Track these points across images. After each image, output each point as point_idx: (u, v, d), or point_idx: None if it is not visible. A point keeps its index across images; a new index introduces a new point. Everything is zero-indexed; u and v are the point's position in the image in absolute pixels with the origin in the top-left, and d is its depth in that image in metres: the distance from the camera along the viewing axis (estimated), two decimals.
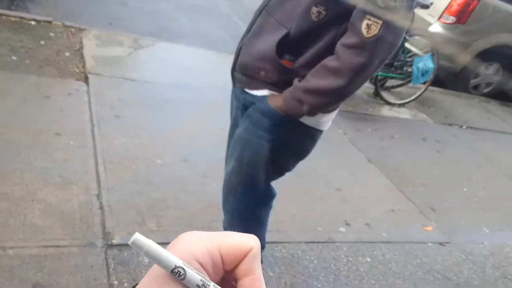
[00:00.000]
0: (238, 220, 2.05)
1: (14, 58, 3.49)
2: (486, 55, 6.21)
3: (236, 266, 0.33)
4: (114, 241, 2.26)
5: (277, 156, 1.82)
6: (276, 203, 2.11)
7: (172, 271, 0.31)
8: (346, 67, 1.54)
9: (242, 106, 1.86)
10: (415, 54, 5.19)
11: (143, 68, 4.10)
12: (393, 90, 5.45)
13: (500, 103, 6.66)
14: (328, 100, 1.65)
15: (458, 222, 3.41)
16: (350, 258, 2.65)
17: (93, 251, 2.17)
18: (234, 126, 1.97)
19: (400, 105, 5.29)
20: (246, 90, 1.80)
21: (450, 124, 5.33)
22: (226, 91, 1.93)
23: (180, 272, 0.31)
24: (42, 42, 3.86)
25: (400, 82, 5.37)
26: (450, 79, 6.28)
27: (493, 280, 2.87)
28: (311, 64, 1.63)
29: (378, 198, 3.38)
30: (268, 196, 2.02)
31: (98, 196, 2.50)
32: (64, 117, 3.03)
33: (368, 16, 1.49)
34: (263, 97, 1.74)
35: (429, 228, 3.19)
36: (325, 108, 1.70)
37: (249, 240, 0.34)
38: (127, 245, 2.27)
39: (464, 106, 6.08)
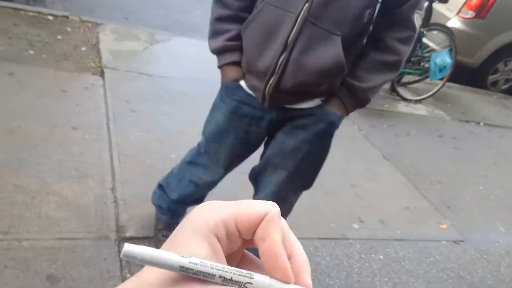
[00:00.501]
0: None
1: (31, 52, 3.54)
2: (505, 51, 6.10)
3: (254, 233, 0.32)
4: (128, 234, 2.29)
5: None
6: None
7: (180, 269, 0.30)
8: (404, 59, 1.66)
9: (275, 122, 1.79)
10: (432, 50, 5.12)
11: (159, 62, 4.12)
12: (409, 86, 5.39)
13: None
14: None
15: (473, 220, 3.36)
16: (363, 255, 2.64)
17: (107, 244, 2.19)
18: (245, 143, 1.89)
19: (416, 101, 5.23)
20: (288, 106, 1.73)
21: (467, 121, 5.25)
22: None
23: (188, 268, 0.30)
24: (59, 37, 3.90)
25: (417, 78, 5.31)
26: (468, 75, 6.19)
27: (508, 279, 2.83)
28: (355, 59, 1.68)
29: (392, 194, 3.36)
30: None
31: (113, 189, 2.53)
32: (80, 111, 3.06)
33: (417, 10, 1.58)
34: (320, 107, 1.73)
35: (444, 226, 3.16)
36: None
37: (265, 206, 0.33)
38: (140, 238, 2.30)
39: (482, 103, 5.99)
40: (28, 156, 2.55)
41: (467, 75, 6.16)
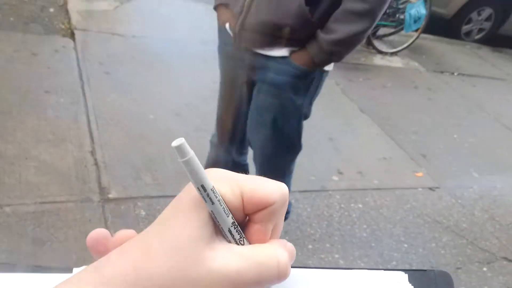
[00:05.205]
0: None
1: None
2: (478, 0, 6.12)
3: (254, 213, 0.33)
4: (111, 196, 2.29)
5: (305, 108, 1.85)
6: None
7: (207, 190, 0.30)
8: (375, 6, 1.56)
9: (249, 68, 1.77)
10: (407, 1, 5.11)
11: (131, 22, 4.02)
12: (385, 38, 5.40)
13: (491, 49, 6.62)
14: (357, 44, 1.67)
15: (448, 167, 3.47)
16: (342, 205, 2.72)
17: (90, 206, 2.21)
18: (233, 87, 1.89)
19: (392, 53, 5.25)
20: (258, 51, 1.70)
21: (441, 72, 5.32)
22: (215, 44, 1.89)
23: (215, 193, 0.30)
24: None
25: (392, 30, 5.31)
26: (442, 26, 6.21)
27: (481, 222, 2.96)
28: (330, 12, 1.59)
29: (370, 146, 3.42)
30: (300, 149, 2.02)
31: (92, 152, 2.51)
32: (52, 74, 3.00)
33: None
34: (283, 58, 1.67)
35: (420, 174, 3.25)
36: (352, 51, 1.70)
37: (274, 192, 0.32)
38: (123, 199, 2.31)
39: (456, 53, 6.05)
40: (3, 122, 2.50)
41: (441, 26, 6.19)
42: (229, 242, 0.32)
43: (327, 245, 2.42)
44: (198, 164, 0.29)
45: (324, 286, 0.38)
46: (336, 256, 2.36)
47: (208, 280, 0.30)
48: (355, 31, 1.58)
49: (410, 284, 0.39)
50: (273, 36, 1.64)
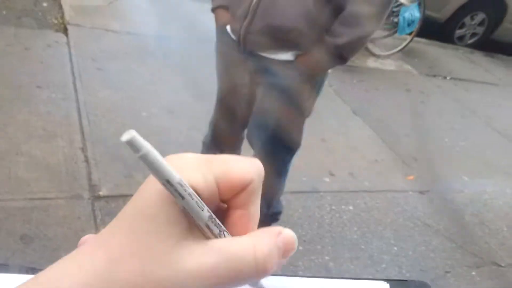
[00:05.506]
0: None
1: None
2: (472, 5, 6.16)
3: (232, 197, 0.29)
4: (101, 193, 2.28)
5: (308, 109, 1.87)
6: None
7: (174, 184, 0.25)
8: (380, 9, 1.58)
9: (253, 71, 1.76)
10: (401, 4, 5.12)
11: (125, 18, 3.99)
12: (378, 41, 5.41)
13: (484, 53, 6.67)
14: (362, 47, 1.71)
15: (439, 171, 3.48)
16: (333, 207, 2.72)
17: (80, 203, 2.19)
18: (235, 89, 1.88)
19: (385, 56, 5.27)
20: (263, 54, 1.69)
21: (434, 75, 5.34)
22: (210, 42, 1.89)
23: (183, 186, 0.26)
24: None
25: (386, 33, 5.33)
26: (435, 29, 6.24)
27: (471, 226, 2.98)
28: (336, 15, 1.59)
29: (362, 148, 3.43)
30: (298, 148, 2.02)
31: (83, 149, 2.49)
32: (45, 69, 2.97)
33: None
34: (289, 62, 1.67)
35: (411, 177, 3.26)
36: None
37: (250, 170, 0.29)
38: (114, 196, 2.29)
39: (449, 57, 6.08)
40: None
41: (435, 30, 6.22)
42: (209, 238, 0.28)
43: (318, 246, 2.42)
44: (157, 156, 0.25)
45: None
46: (327, 258, 2.36)
47: (180, 283, 0.26)
48: (361, 34, 1.60)
49: None
50: (280, 40, 1.64)
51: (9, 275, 0.37)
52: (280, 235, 0.29)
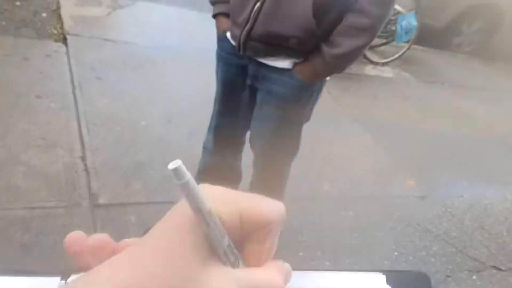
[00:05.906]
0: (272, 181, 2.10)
1: None
2: (469, 13, 6.20)
3: (251, 232, 0.32)
4: (101, 202, 2.28)
5: (307, 115, 1.91)
6: None
7: (203, 213, 0.28)
8: (377, 21, 1.60)
9: (252, 77, 1.79)
10: (398, 12, 5.15)
11: (123, 28, 4.02)
12: (376, 49, 5.44)
13: (482, 60, 6.70)
14: (359, 57, 1.74)
15: (438, 176, 3.49)
16: (333, 213, 2.72)
17: (80, 212, 2.19)
18: (234, 95, 1.90)
19: (383, 64, 5.29)
20: (262, 61, 1.72)
21: (432, 82, 5.36)
22: (208, 52, 1.90)
23: (211, 216, 0.29)
24: (18, 3, 3.75)
25: (384, 40, 5.36)
26: (433, 37, 6.28)
27: (471, 231, 2.97)
28: (335, 25, 1.62)
29: (361, 154, 3.43)
30: (297, 152, 2.05)
31: (83, 158, 2.50)
32: (44, 79, 2.98)
33: None
34: (287, 70, 1.70)
35: (411, 183, 3.26)
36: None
37: (272, 213, 0.32)
38: (113, 205, 2.29)
39: (447, 64, 6.11)
40: None
41: (432, 37, 6.25)
42: (224, 264, 0.30)
43: (318, 252, 2.41)
44: (195, 186, 0.28)
45: (302, 287, 0.38)
46: (327, 263, 2.36)
47: None
48: (358, 45, 1.63)
49: (388, 285, 0.39)
50: (279, 47, 1.66)
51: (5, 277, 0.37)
52: (284, 269, 0.33)
